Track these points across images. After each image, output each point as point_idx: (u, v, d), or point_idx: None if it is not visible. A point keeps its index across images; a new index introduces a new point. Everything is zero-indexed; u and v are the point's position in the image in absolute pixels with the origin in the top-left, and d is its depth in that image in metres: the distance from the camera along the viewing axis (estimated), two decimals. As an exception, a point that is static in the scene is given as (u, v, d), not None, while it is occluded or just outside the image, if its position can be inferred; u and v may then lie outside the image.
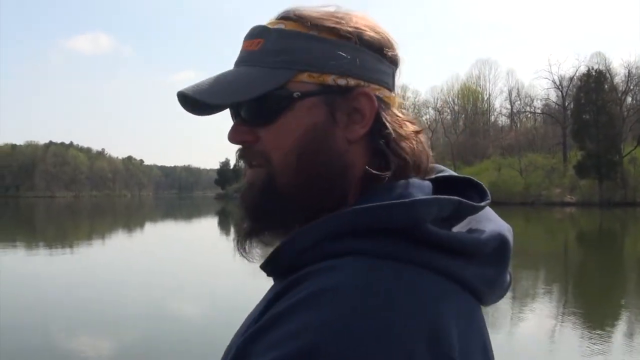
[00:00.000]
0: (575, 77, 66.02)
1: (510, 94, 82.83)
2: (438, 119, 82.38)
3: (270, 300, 0.68)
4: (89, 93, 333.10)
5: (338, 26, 0.77)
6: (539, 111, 77.03)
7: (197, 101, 0.76)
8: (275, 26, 0.79)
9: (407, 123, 0.80)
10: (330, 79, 0.76)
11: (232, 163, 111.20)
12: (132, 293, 11.82)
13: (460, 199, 0.72)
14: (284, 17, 0.80)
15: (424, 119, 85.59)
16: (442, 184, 0.81)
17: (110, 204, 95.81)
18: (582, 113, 58.80)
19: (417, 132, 0.80)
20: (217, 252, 19.69)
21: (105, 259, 18.49)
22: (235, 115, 0.81)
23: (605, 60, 62.49)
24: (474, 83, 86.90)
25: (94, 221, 45.73)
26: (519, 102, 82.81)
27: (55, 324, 9.26)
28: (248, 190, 0.80)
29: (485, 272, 0.74)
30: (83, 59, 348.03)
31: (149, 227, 39.01)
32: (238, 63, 0.81)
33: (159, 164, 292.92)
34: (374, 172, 0.75)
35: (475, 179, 0.84)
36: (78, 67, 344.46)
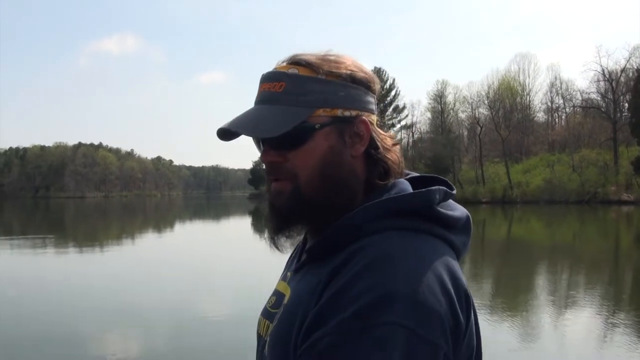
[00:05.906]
0: (626, 69, 62.72)
1: (551, 88, 79.55)
2: (487, 116, 78.13)
3: (331, 274, 0.91)
4: (118, 94, 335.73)
5: (338, 70, 1.01)
6: (585, 105, 72.47)
7: (237, 133, 1.01)
8: (290, 70, 1.00)
9: (388, 138, 1.06)
10: (339, 112, 1.00)
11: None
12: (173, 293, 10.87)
13: (446, 189, 1.02)
14: (295, 63, 1.01)
15: (462, 115, 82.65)
16: (414, 182, 1.09)
17: (142, 204, 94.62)
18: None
19: (395, 144, 1.07)
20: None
21: (160, 258, 17.86)
22: (259, 141, 1.04)
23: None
24: (513, 78, 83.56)
25: (147, 220, 44.27)
26: (558, 97, 79.52)
27: (85, 320, 9.22)
28: (277, 197, 1.02)
29: (463, 239, 1.03)
30: (112, 60, 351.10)
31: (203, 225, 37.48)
32: (264, 101, 1.01)
33: (187, 164, 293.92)
34: (374, 177, 1.03)
35: (441, 177, 1.11)
36: (107, 68, 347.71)
